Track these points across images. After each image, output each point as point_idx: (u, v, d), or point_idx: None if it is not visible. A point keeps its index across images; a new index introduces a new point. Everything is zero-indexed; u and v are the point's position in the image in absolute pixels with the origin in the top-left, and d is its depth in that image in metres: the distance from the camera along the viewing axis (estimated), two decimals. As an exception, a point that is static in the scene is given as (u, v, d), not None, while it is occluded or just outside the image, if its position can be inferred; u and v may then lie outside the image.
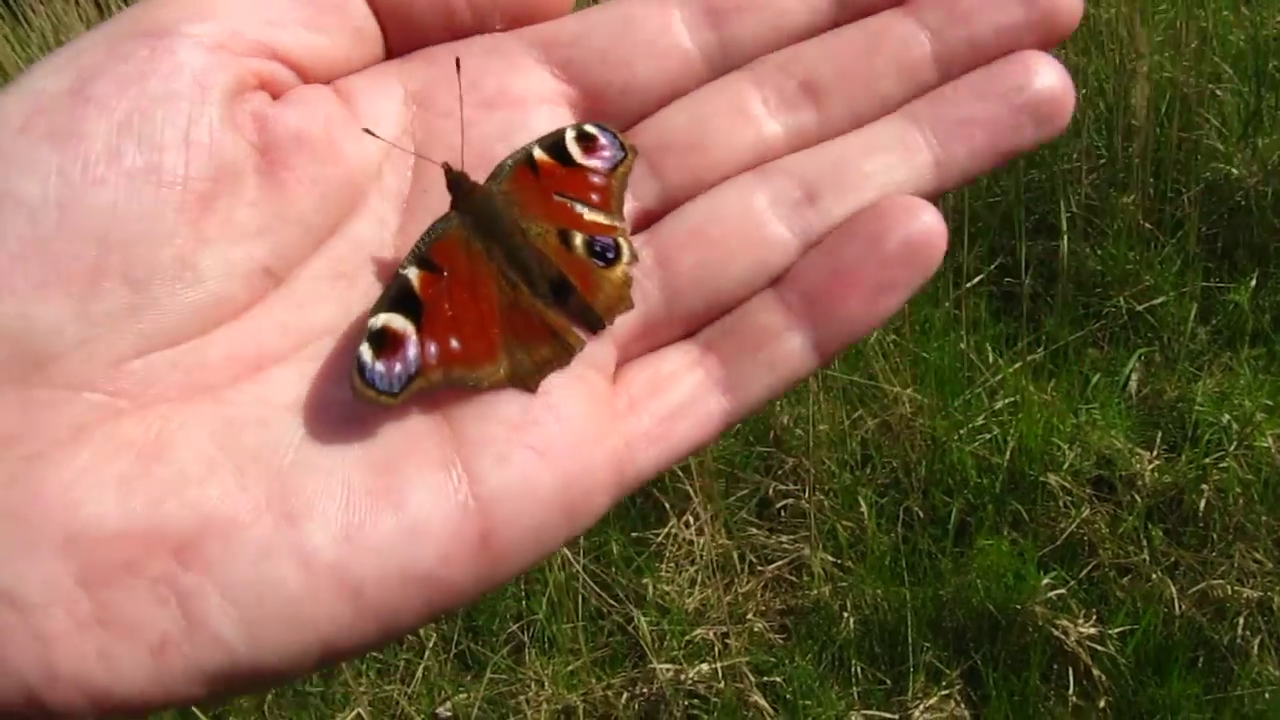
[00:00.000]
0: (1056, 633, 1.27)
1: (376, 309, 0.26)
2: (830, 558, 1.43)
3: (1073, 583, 1.33)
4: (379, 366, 0.25)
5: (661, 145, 0.31)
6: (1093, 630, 1.27)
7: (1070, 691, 1.26)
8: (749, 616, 1.40)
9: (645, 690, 1.34)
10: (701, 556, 1.46)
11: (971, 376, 1.54)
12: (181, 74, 0.27)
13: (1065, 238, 1.61)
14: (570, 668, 1.35)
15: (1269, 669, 1.23)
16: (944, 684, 1.29)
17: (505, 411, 0.27)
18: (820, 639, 1.36)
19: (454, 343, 0.26)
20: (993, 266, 1.66)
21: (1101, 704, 1.24)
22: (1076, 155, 1.66)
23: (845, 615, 1.36)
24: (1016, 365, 1.54)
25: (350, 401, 0.26)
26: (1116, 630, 1.28)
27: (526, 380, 0.27)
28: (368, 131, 0.29)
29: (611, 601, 1.41)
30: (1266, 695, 1.20)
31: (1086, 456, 1.44)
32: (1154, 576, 1.32)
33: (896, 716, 1.28)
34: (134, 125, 0.26)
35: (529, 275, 0.28)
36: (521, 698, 1.32)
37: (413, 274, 0.26)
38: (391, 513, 0.26)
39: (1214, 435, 1.42)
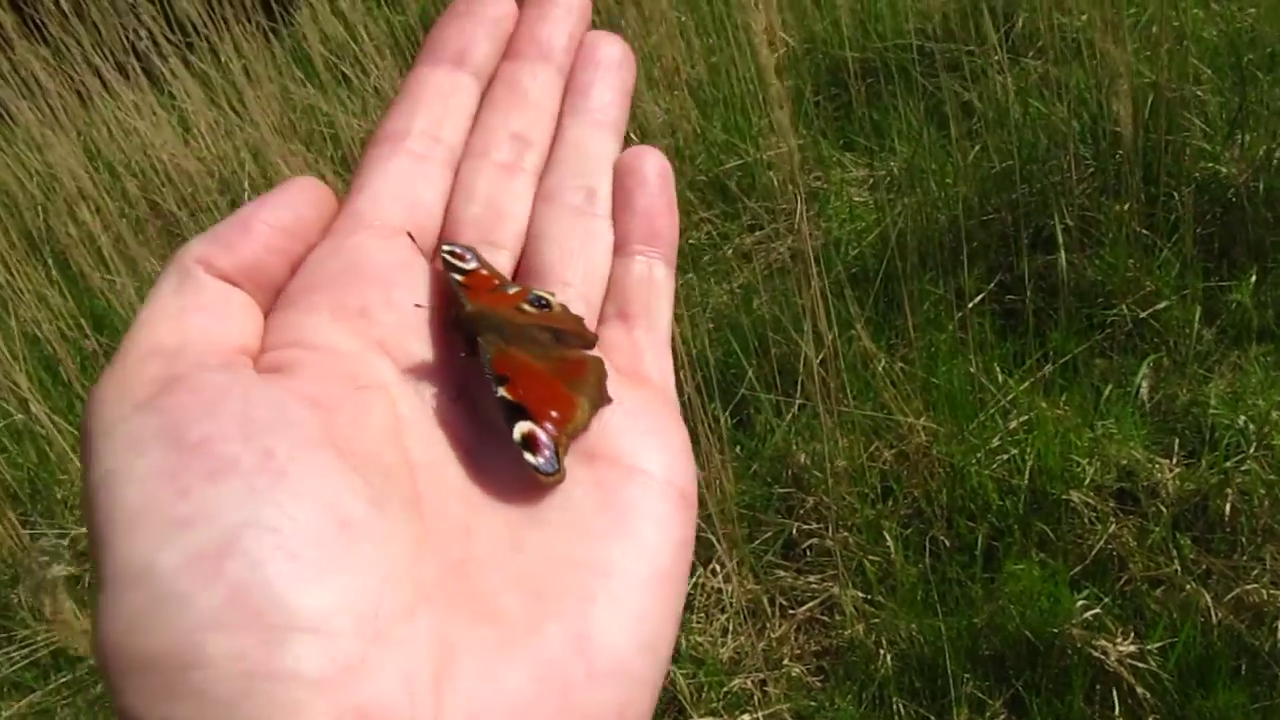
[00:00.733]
0: (1096, 653, 1.26)
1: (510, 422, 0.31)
2: (860, 594, 1.42)
3: (1106, 600, 1.32)
4: (539, 460, 0.29)
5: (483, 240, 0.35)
6: (1132, 648, 1.26)
7: (1116, 712, 1.25)
8: (785, 661, 1.39)
9: (688, 746, 1.33)
10: (731, 604, 1.45)
11: (983, 398, 1.54)
12: None
13: (1063, 250, 1.61)
14: (610, 730, 1.33)
15: (1312, 671, 1.22)
16: (988, 714, 1.28)
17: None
18: (859, 678, 1.35)
19: (553, 413, 0.31)
20: (992, 285, 1.67)
21: (1148, 721, 1.23)
22: (1066, 167, 1.66)
23: (881, 652, 1.35)
24: (1027, 383, 1.54)
25: None
26: (1156, 645, 1.27)
27: (600, 402, 0.32)
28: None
29: (645, 658, 1.40)
30: (1313, 699, 1.19)
31: (1107, 470, 1.43)
32: (1187, 587, 1.31)
33: (943, 752, 1.27)
34: None
35: (538, 340, 0.33)
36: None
37: (500, 391, 0.31)
38: None
39: (1232, 438, 1.42)
